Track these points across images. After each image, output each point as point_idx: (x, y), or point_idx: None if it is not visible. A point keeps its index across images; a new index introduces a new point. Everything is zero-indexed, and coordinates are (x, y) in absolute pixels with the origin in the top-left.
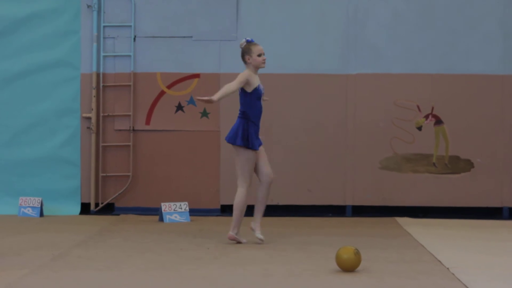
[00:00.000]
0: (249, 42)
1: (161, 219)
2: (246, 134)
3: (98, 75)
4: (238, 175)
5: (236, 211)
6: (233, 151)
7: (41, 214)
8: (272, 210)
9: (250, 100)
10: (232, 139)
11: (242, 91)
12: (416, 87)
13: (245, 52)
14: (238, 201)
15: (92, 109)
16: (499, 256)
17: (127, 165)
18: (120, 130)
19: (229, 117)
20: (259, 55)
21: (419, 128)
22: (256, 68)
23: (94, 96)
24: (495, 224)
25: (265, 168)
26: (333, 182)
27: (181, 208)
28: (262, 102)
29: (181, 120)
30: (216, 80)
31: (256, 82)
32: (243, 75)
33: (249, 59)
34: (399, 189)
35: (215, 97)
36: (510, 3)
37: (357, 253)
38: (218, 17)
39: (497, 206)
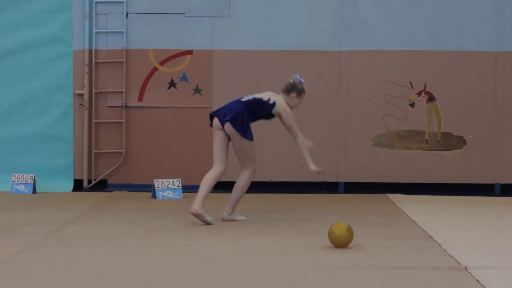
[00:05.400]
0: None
1: (154, 196)
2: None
3: (90, 51)
4: (247, 159)
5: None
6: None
7: (34, 191)
8: (265, 187)
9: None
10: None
11: (269, 114)
12: (408, 64)
13: (296, 91)
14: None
15: (85, 86)
16: (491, 232)
17: (120, 142)
18: (112, 106)
19: (222, 94)
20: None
21: (412, 105)
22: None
23: (87, 73)
24: (487, 201)
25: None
26: (326, 159)
27: (174, 185)
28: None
29: (173, 97)
30: (209, 57)
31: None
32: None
33: (294, 98)
34: (392, 165)
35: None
36: None
37: (349, 229)
38: None
39: (489, 183)
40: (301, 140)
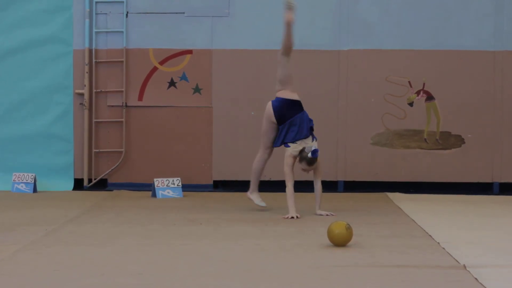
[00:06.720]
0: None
1: (154, 195)
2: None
3: (90, 51)
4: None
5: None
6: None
7: (35, 190)
8: (265, 186)
9: None
10: None
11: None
12: (407, 63)
13: (305, 160)
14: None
15: (85, 85)
16: (489, 231)
17: (120, 141)
18: (112, 106)
19: (221, 93)
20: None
21: (411, 104)
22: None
23: (87, 72)
24: (485, 200)
25: None
26: (325, 157)
27: (173, 184)
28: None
29: (173, 96)
30: (208, 56)
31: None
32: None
33: (298, 160)
34: (391, 164)
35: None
36: None
37: (348, 228)
38: None
39: (487, 182)
40: (288, 189)
